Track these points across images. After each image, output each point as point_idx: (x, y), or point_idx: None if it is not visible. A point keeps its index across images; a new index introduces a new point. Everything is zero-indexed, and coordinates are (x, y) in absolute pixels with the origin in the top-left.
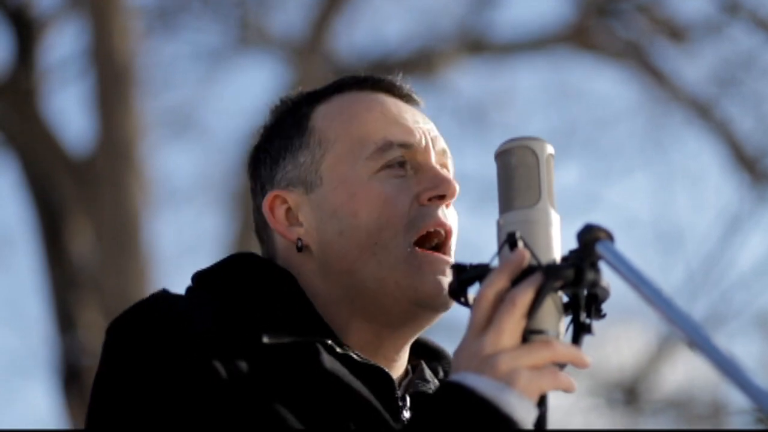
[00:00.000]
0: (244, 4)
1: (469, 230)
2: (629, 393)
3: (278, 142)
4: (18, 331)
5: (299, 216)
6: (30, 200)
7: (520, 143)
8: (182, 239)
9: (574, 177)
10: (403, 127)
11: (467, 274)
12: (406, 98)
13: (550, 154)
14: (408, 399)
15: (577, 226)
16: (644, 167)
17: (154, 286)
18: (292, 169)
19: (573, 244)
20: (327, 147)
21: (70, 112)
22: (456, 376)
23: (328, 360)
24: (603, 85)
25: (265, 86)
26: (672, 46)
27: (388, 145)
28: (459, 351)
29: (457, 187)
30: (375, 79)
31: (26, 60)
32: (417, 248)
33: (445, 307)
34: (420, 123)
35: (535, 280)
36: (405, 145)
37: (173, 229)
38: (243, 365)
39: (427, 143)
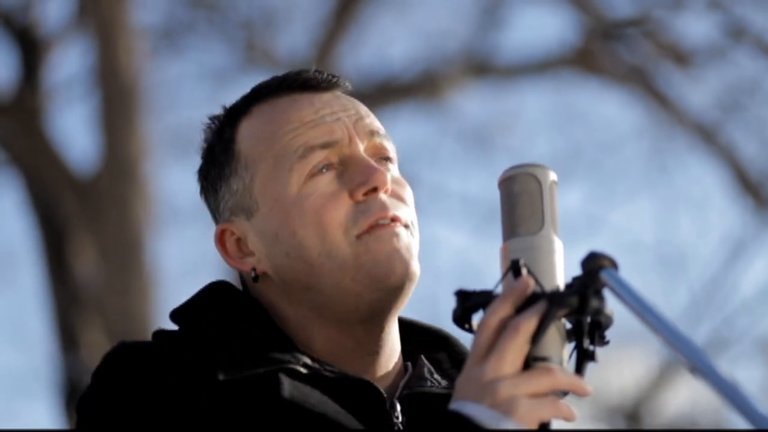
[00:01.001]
0: (250, 25)
1: (473, 253)
2: (631, 418)
3: (213, 172)
4: (21, 349)
5: (249, 245)
6: (34, 218)
7: (523, 170)
8: (186, 259)
9: (577, 200)
10: (322, 127)
11: (471, 301)
12: (325, 87)
13: (554, 181)
14: (398, 404)
15: (581, 248)
16: (648, 191)
17: (157, 305)
18: (230, 198)
19: (576, 268)
20: (255, 169)
21: (75, 131)
22: (455, 404)
23: (288, 388)
24: (607, 109)
25: None
26: (677, 70)
27: (308, 150)
28: (461, 378)
29: (388, 174)
30: (289, 79)
31: (31, 79)
32: (361, 236)
33: (407, 278)
34: (340, 113)
35: (539, 307)
36: (327, 145)
37: (177, 248)
38: (202, 407)
39: (350, 134)
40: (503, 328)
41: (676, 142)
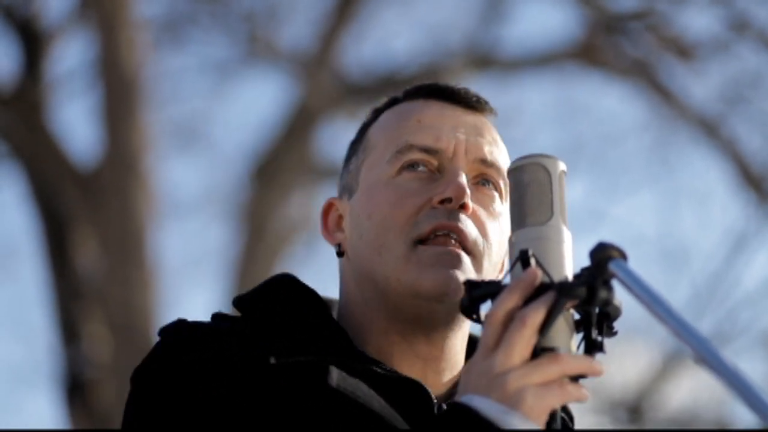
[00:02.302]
0: (253, 18)
1: None
2: (633, 411)
3: (347, 153)
4: (22, 341)
5: (344, 222)
6: (36, 211)
7: (533, 160)
8: (187, 251)
9: (580, 193)
10: (432, 132)
11: (479, 291)
12: (468, 105)
13: (563, 171)
14: (444, 407)
15: (583, 242)
16: (650, 185)
17: (159, 298)
18: (346, 176)
19: (581, 260)
20: (368, 153)
21: (76, 123)
22: (464, 397)
23: (336, 377)
24: (610, 102)
25: (272, 100)
26: (679, 64)
27: (407, 148)
28: (469, 369)
29: (467, 192)
30: (432, 87)
31: (33, 71)
32: (419, 245)
33: (447, 297)
34: (462, 128)
35: (547, 298)
36: (428, 150)
37: (179, 241)
38: (251, 389)
39: (457, 149)
40: (511, 320)
41: (679, 136)
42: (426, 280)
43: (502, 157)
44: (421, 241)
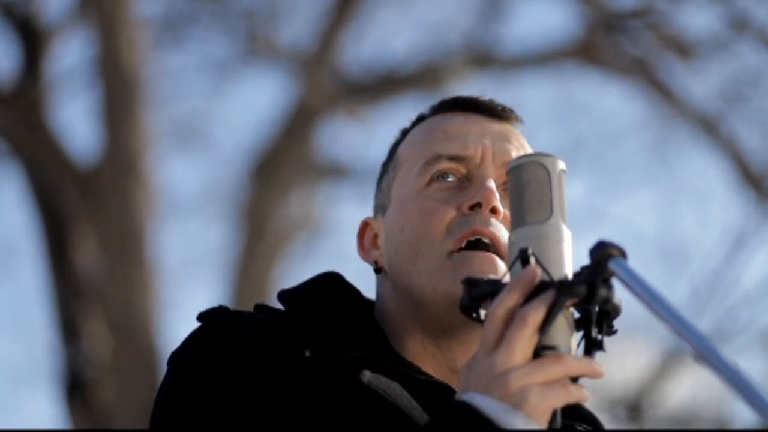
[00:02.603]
0: (252, 17)
1: None
2: (633, 409)
3: (380, 173)
4: (22, 340)
5: (379, 240)
6: (35, 210)
7: (532, 159)
8: (187, 251)
9: (579, 192)
10: (458, 141)
11: (479, 290)
12: (491, 114)
13: (562, 170)
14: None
15: (582, 240)
16: (650, 183)
17: (158, 297)
18: (379, 195)
19: (582, 260)
20: (398, 170)
21: (76, 122)
22: (465, 395)
23: (368, 375)
24: (609, 101)
25: (271, 99)
26: (679, 62)
27: (435, 159)
28: (469, 368)
29: (495, 194)
30: (458, 99)
31: (33, 70)
32: (453, 253)
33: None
34: (488, 135)
35: (547, 296)
36: (455, 158)
37: (178, 240)
38: (285, 381)
39: (485, 155)
40: (511, 318)
41: (679, 134)
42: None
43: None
44: (456, 249)
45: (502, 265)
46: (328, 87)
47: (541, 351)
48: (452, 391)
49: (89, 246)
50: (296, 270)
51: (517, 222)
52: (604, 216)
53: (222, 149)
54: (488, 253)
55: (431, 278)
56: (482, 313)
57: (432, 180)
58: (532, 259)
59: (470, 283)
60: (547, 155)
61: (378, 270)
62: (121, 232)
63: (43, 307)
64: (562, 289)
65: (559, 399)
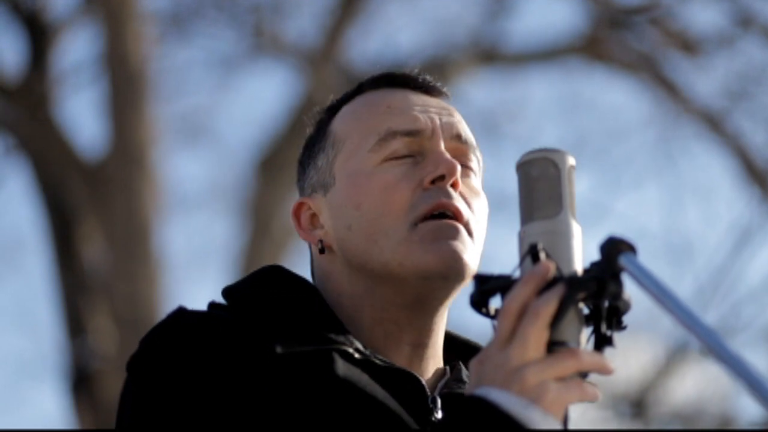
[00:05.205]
0: (259, 12)
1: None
2: (637, 406)
3: (306, 153)
4: (28, 334)
5: (320, 219)
6: (42, 204)
7: (542, 155)
8: (193, 245)
9: (584, 188)
10: (408, 116)
11: (489, 285)
12: (425, 89)
13: (572, 166)
14: (439, 400)
15: (587, 236)
16: (655, 179)
17: (164, 292)
18: (314, 175)
19: (588, 255)
20: (339, 147)
21: (83, 116)
22: (480, 390)
23: (342, 367)
24: (615, 97)
25: (277, 94)
26: (684, 58)
27: (390, 135)
28: (482, 362)
29: (458, 167)
30: (390, 75)
31: (40, 64)
32: (418, 223)
33: (455, 273)
34: (431, 111)
35: (558, 291)
36: (409, 133)
37: (184, 235)
38: (256, 378)
39: (435, 128)
40: (524, 313)
41: (684, 131)
42: (432, 257)
43: (471, 135)
44: (420, 220)
45: (464, 233)
46: (334, 82)
47: (551, 346)
48: (414, 377)
49: (95, 240)
50: (301, 265)
51: (526, 217)
52: (609, 212)
53: (228, 144)
54: (452, 221)
55: (396, 253)
56: (491, 309)
57: (388, 158)
58: (542, 255)
59: (480, 278)
60: (556, 151)
61: (323, 249)
62: (127, 227)
63: (49, 300)
64: (572, 285)
65: (575, 395)
